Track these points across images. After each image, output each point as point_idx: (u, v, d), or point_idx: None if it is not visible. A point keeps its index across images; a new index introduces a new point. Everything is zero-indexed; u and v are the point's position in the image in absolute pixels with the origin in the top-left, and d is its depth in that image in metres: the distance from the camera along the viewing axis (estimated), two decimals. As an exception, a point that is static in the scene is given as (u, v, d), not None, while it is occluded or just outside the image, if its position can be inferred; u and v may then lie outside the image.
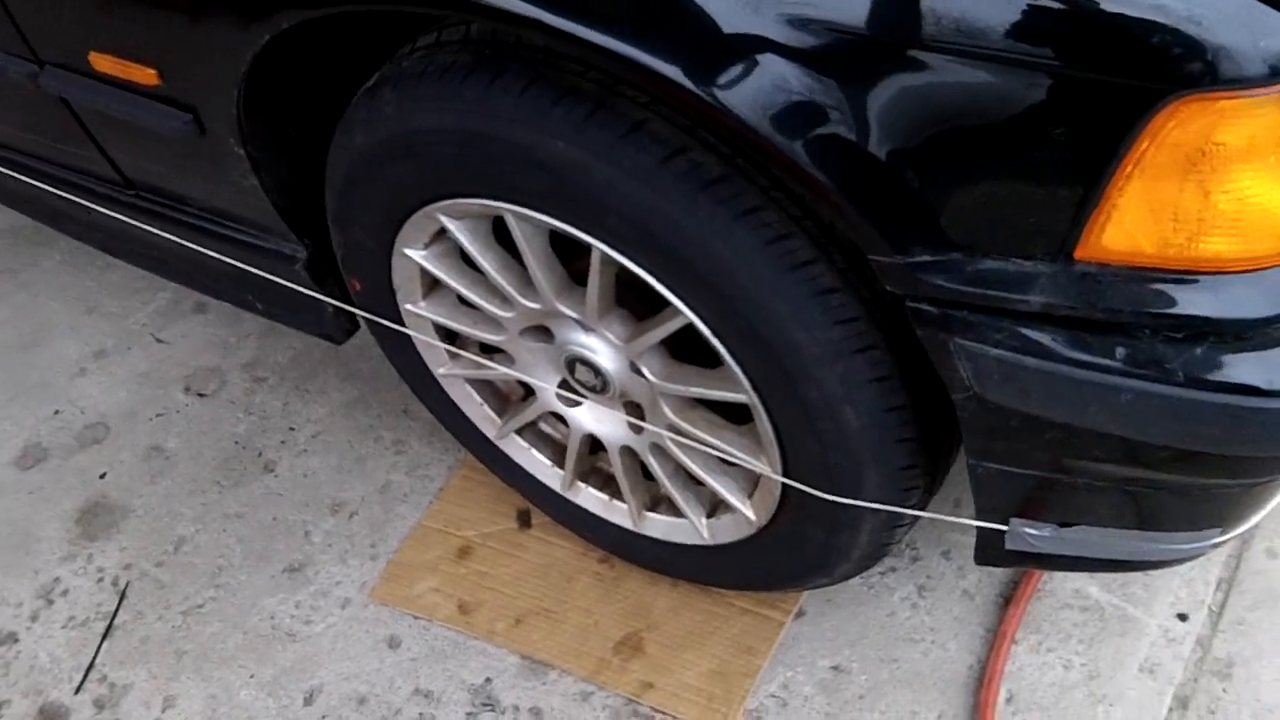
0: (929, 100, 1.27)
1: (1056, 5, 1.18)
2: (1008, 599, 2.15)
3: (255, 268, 2.09)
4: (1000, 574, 2.19)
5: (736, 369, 1.63)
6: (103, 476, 2.55)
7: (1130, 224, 1.28)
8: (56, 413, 2.67)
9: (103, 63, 1.83)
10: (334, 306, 2.09)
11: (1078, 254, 1.32)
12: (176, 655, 2.26)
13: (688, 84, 1.34)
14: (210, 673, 2.24)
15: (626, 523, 2.12)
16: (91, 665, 2.27)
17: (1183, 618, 2.10)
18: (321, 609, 2.30)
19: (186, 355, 2.76)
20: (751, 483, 1.89)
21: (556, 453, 2.17)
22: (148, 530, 2.45)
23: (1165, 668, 2.05)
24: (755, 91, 1.32)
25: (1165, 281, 1.31)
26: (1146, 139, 1.21)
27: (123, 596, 2.36)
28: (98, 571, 2.40)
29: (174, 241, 2.15)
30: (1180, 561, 1.73)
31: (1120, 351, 1.35)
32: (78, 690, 2.24)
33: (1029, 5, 1.19)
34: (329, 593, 2.32)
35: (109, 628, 2.31)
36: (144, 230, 2.18)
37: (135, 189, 2.16)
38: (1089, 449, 1.47)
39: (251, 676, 2.23)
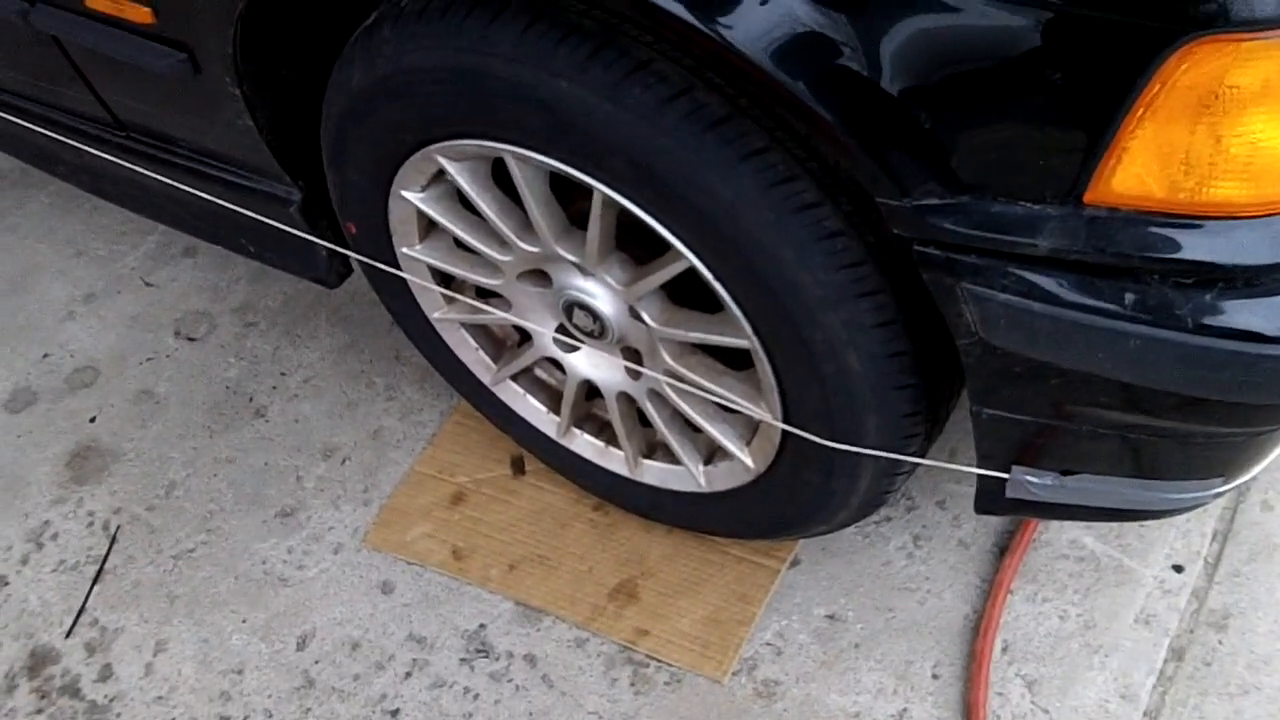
0: (940, 38, 1.25)
1: (1069, -57, 1.17)
2: (1003, 549, 2.15)
3: (248, 210, 2.07)
4: (995, 524, 2.19)
5: (738, 313, 1.61)
6: (92, 420, 2.54)
7: (1140, 168, 1.26)
8: (45, 356, 2.65)
9: (96, 0, 1.80)
10: (328, 250, 2.07)
11: (1087, 198, 1.30)
12: (168, 599, 2.26)
13: (693, 20, 1.32)
14: (202, 617, 2.23)
15: (622, 470, 2.11)
16: (82, 609, 2.26)
17: (1178, 569, 2.10)
18: (314, 554, 2.29)
19: (176, 299, 2.73)
20: (750, 429, 1.88)
21: (552, 399, 2.16)
22: (138, 474, 2.44)
23: (1161, 619, 2.05)
24: (762, 28, 1.30)
25: (1174, 226, 1.30)
26: (1158, 82, 1.20)
27: (113, 540, 2.34)
28: (88, 515, 2.39)
29: (165, 183, 2.13)
30: (1183, 511, 1.72)
31: (1128, 297, 1.34)
32: (69, 634, 2.23)
33: (1042, -58, 1.18)
34: (321, 538, 2.31)
35: (100, 571, 2.30)
36: (135, 172, 2.16)
37: (126, 130, 2.13)
38: (1094, 395, 1.46)
39: (244, 621, 2.22)
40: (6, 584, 2.30)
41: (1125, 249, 1.31)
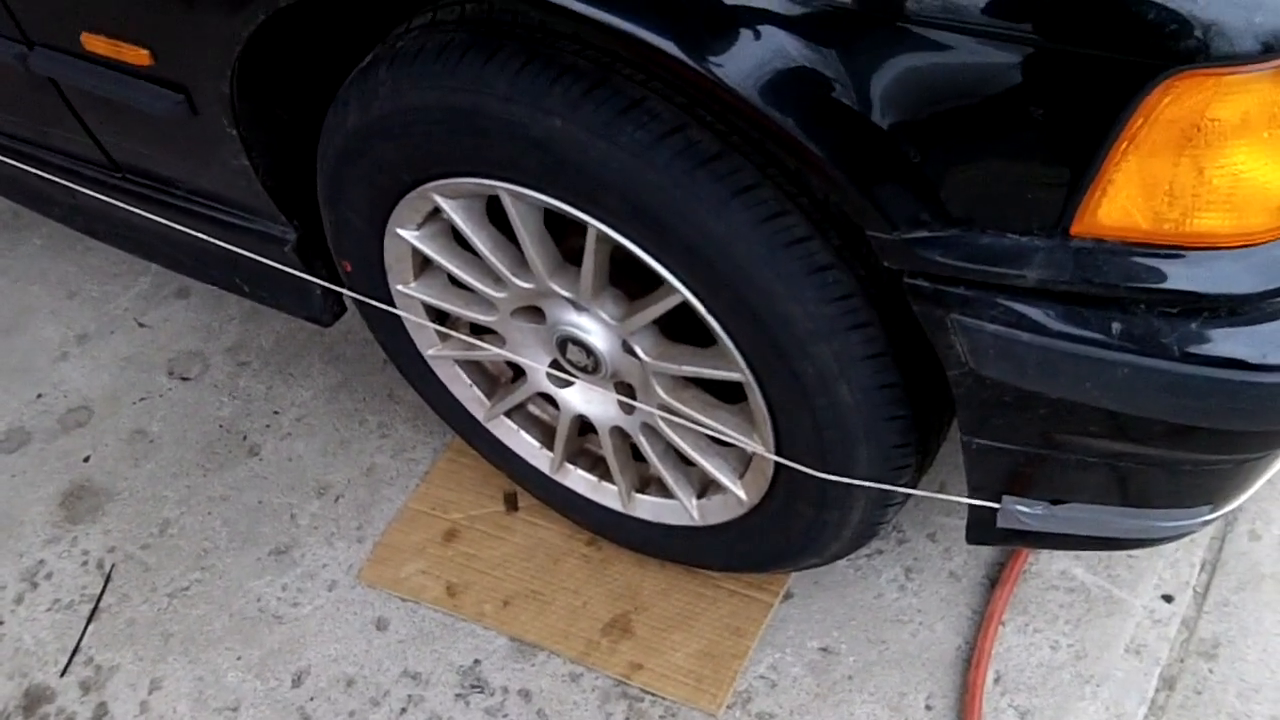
0: (929, 74, 1.27)
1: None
2: (994, 580, 2.16)
3: (243, 250, 2.09)
4: (986, 556, 2.20)
5: (731, 347, 1.63)
6: (86, 460, 2.54)
7: (1125, 200, 1.28)
8: (39, 396, 2.66)
9: (94, 43, 1.82)
10: (322, 288, 2.09)
11: (1074, 229, 1.32)
12: (163, 638, 2.26)
13: (685, 58, 1.34)
14: (197, 655, 2.23)
15: (615, 504, 2.12)
16: (77, 648, 2.26)
17: (1168, 599, 2.12)
18: (308, 591, 2.29)
19: (169, 339, 2.75)
20: (743, 462, 1.89)
21: (545, 434, 2.17)
22: (132, 513, 2.45)
23: (1151, 648, 2.06)
24: (753, 64, 1.32)
25: (1159, 257, 1.32)
26: (1141, 115, 1.22)
27: (108, 579, 2.35)
28: (82, 554, 2.39)
29: (161, 224, 2.15)
30: (1172, 539, 1.73)
31: (1115, 327, 1.36)
32: (63, 673, 2.23)
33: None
34: (316, 575, 2.32)
35: (94, 610, 2.31)
36: (130, 213, 2.18)
37: (122, 172, 2.15)
38: (1083, 424, 1.48)
39: (239, 658, 2.22)
40: (1, 623, 2.30)
41: (1111, 279, 1.33)
